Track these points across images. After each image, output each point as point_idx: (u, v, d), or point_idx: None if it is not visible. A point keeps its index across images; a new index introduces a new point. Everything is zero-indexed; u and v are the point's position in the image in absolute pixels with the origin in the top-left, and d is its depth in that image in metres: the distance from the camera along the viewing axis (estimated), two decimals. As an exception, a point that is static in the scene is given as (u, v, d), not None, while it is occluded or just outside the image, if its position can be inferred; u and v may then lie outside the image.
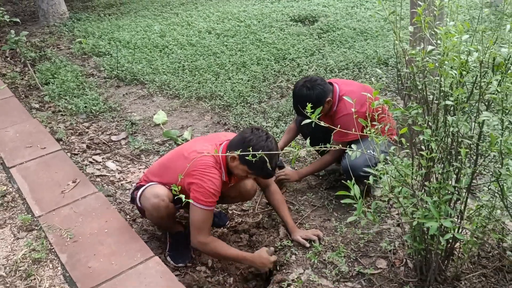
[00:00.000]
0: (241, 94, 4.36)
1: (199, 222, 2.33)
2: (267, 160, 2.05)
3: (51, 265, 2.29)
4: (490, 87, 1.64)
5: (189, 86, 4.60)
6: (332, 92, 2.79)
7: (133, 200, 2.60)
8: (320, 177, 3.24)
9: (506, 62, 1.80)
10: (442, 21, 2.81)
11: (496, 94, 1.58)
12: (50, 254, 2.36)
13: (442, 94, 1.72)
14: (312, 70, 4.71)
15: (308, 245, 2.59)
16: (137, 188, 2.57)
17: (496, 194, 2.03)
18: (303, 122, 1.83)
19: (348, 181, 1.83)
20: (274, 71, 4.81)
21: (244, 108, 4.16)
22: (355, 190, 1.72)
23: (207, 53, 5.32)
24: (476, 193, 2.65)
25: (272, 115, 4.01)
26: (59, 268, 2.28)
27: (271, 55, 5.11)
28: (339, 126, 1.98)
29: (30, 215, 2.64)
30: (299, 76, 4.63)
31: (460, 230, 2.06)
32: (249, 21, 6.24)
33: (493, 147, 1.59)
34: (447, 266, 2.32)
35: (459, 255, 2.34)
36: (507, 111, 1.55)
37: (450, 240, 2.22)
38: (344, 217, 2.83)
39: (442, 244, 1.92)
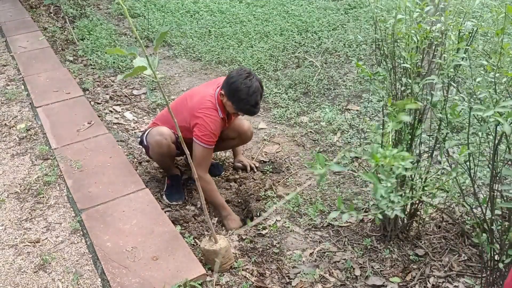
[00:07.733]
0: (258, 62, 4.57)
1: (200, 158, 2.62)
2: (247, 97, 2.37)
3: (58, 188, 2.66)
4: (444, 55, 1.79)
5: (212, 51, 4.85)
6: None
7: (141, 142, 2.91)
8: (315, 141, 3.44)
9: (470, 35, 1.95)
10: None
11: (444, 61, 1.74)
12: (59, 179, 2.72)
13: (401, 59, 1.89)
14: (331, 42, 4.84)
15: None
16: (146, 131, 2.88)
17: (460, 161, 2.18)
18: None
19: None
20: (295, 42, 4.97)
21: (259, 75, 4.37)
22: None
23: (234, 21, 5.54)
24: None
25: (283, 83, 4.21)
26: (65, 190, 2.63)
27: (295, 27, 5.26)
28: None
29: (47, 147, 3.01)
30: (317, 48, 4.77)
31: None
32: (281, -7, 6.37)
33: (435, 108, 1.75)
34: (410, 225, 2.50)
35: (423, 216, 2.51)
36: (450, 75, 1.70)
37: (416, 202, 2.41)
38: (328, 178, 3.03)
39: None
